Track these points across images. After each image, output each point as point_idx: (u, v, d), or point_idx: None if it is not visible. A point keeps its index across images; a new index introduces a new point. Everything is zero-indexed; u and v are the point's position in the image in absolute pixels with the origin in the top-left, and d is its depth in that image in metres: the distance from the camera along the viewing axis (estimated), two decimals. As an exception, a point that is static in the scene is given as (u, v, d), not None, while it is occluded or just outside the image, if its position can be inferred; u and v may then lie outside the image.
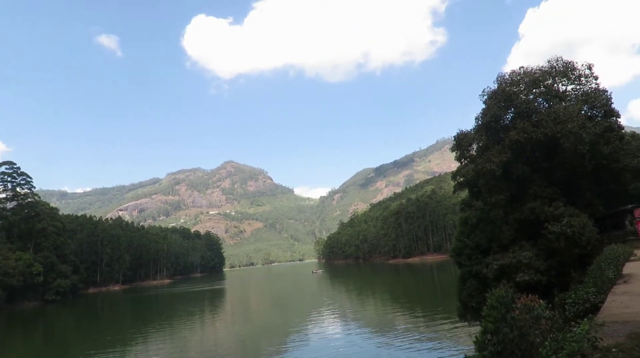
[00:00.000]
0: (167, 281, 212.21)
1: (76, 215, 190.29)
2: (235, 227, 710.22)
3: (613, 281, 14.10)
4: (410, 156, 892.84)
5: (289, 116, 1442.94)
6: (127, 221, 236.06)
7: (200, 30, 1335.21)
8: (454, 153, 40.06)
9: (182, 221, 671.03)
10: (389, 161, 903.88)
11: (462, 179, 39.56)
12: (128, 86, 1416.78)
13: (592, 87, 36.42)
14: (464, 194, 46.86)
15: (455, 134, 39.34)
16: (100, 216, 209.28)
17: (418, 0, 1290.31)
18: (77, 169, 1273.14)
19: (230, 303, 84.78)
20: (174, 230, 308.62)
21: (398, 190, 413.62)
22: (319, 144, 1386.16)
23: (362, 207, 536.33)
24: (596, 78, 36.47)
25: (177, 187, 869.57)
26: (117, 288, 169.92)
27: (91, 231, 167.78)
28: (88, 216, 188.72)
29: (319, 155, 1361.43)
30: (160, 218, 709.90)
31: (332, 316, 51.79)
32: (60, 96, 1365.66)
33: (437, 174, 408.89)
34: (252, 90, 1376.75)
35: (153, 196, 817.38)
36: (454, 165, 42.77)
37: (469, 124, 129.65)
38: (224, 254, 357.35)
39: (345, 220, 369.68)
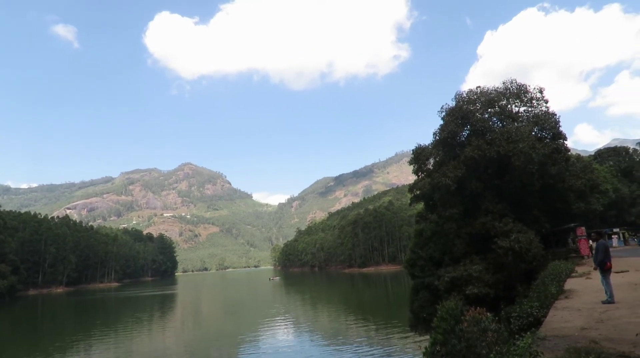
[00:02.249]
0: (114, 284, 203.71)
1: (19, 212, 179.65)
2: (190, 231, 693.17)
3: (555, 296, 14.74)
4: (370, 167, 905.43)
5: (251, 120, 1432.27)
6: (75, 221, 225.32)
7: (163, 27, 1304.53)
8: (412, 166, 41.00)
9: (134, 222, 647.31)
10: (348, 171, 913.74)
11: (418, 192, 40.48)
12: (84, 79, 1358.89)
13: (542, 110, 38.36)
14: (420, 206, 47.96)
15: (413, 148, 40.29)
16: (46, 214, 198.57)
17: (384, 15, 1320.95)
18: (23, 163, 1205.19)
19: (181, 309, 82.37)
20: (125, 231, 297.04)
21: (356, 200, 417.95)
22: (280, 150, 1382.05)
23: (320, 215, 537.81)
24: (546, 101, 38.47)
25: (130, 187, 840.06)
26: (60, 290, 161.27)
27: (35, 229, 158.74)
28: (32, 213, 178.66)
29: (279, 161, 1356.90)
30: (111, 219, 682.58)
31: (286, 324, 51.35)
32: (7, 85, 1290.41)
33: (395, 186, 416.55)
34: (215, 92, 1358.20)
35: (104, 196, 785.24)
36: (412, 178, 43.76)
37: (427, 138, 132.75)
38: (177, 258, 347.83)
39: (303, 228, 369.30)
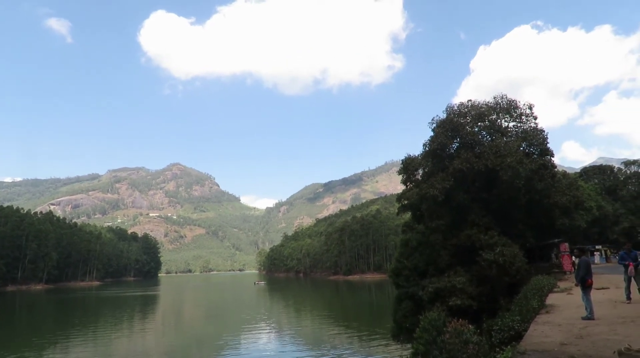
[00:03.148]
0: (96, 283, 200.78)
1: (1, 206, 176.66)
2: (175, 231, 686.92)
3: (537, 310, 14.87)
4: (359, 175, 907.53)
5: (243, 123, 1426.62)
6: (59, 217, 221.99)
7: (159, 26, 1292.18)
8: (400, 176, 41.15)
9: (119, 221, 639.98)
10: (338, 178, 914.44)
11: (406, 202, 40.58)
12: (75, 75, 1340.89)
13: (531, 126, 38.88)
14: (407, 216, 48.11)
15: (403, 158, 40.51)
16: (29, 209, 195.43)
17: (381, 25, 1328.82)
18: (7, 156, 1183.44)
19: (163, 311, 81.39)
20: (109, 230, 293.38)
21: (345, 207, 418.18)
22: (270, 155, 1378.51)
23: (307, 221, 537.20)
24: (535, 118, 39.00)
25: (117, 185, 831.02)
26: (39, 287, 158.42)
27: (16, 224, 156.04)
28: (15, 207, 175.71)
29: (269, 166, 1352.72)
30: (96, 216, 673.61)
31: (268, 330, 51.03)
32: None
33: (383, 195, 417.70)
34: (208, 94, 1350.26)
35: (90, 193, 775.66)
36: (400, 187, 43.91)
37: (417, 149, 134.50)
38: (161, 259, 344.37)
39: (290, 233, 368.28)
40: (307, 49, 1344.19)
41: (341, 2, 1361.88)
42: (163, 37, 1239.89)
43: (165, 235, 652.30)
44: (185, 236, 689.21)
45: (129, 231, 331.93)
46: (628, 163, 78.07)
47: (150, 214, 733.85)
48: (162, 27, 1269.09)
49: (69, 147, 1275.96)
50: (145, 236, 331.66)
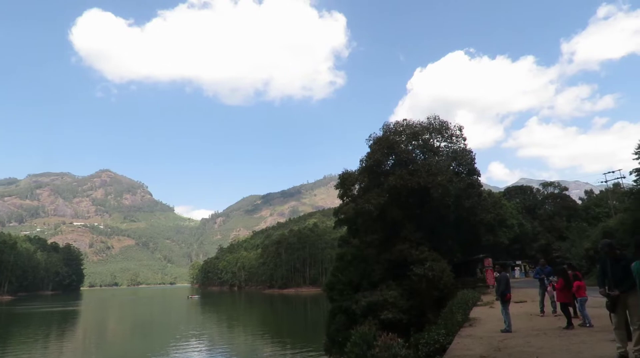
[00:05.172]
0: (7, 298, 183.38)
1: None
2: (102, 242, 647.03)
3: (461, 324, 15.52)
4: (298, 188, 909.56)
5: (180, 132, 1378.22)
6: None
7: (93, 25, 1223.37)
8: (338, 190, 41.76)
9: (38, 229, 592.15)
10: (276, 191, 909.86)
11: (342, 216, 41.21)
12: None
13: (461, 147, 41.10)
14: (344, 230, 48.83)
15: (341, 172, 41.19)
16: None
17: (324, 42, 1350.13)
18: None
19: (84, 328, 75.93)
20: (26, 239, 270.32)
21: (283, 220, 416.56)
22: (208, 165, 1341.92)
23: (245, 233, 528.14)
24: (465, 139, 41.30)
25: (38, 191, 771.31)
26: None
27: None
28: None
29: (206, 176, 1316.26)
30: (11, 224, 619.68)
31: (199, 347, 49.16)
32: None
33: (321, 209, 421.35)
34: (144, 99, 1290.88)
35: (6, 198, 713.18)
36: (338, 201, 44.54)
37: (354, 164, 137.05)
38: (85, 271, 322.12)
39: (226, 245, 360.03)
40: (249, 61, 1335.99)
41: (286, 17, 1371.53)
42: (97, 37, 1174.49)
43: (91, 246, 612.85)
44: (113, 247, 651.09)
45: (50, 241, 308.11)
46: (546, 184, 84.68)
47: (75, 223, 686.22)
48: (96, 27, 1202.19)
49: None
50: (68, 246, 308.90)
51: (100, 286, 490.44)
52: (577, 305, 14.57)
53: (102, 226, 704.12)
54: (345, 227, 44.23)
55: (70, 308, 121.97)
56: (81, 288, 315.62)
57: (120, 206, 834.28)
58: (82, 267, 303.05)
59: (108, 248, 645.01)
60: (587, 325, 13.45)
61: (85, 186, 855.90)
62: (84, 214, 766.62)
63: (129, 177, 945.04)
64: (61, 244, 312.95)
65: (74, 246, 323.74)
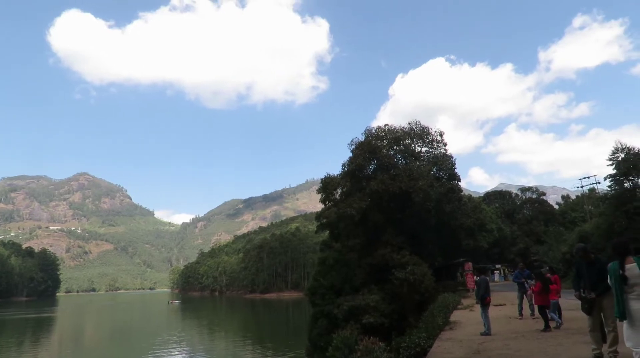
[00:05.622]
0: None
1: None
2: (79, 247, 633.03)
3: (441, 327, 15.67)
4: (280, 192, 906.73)
5: (161, 135, 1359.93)
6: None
7: (72, 26, 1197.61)
8: (320, 194, 41.80)
9: (12, 234, 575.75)
10: (258, 195, 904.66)
11: (325, 220, 41.24)
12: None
13: (441, 152, 41.66)
14: (326, 235, 48.83)
15: (323, 177, 41.26)
16: None
17: (307, 47, 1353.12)
18: None
19: (60, 335, 74.08)
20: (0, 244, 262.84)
21: (264, 224, 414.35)
22: (189, 168, 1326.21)
23: (226, 238, 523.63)
24: (445, 144, 41.89)
25: (12, 194, 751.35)
26: None
27: None
28: None
29: (187, 180, 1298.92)
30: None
31: (180, 352, 48.45)
32: None
33: (303, 213, 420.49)
34: (124, 101, 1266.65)
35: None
36: (320, 206, 44.56)
37: (336, 169, 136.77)
38: (61, 277, 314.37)
39: (207, 250, 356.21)
40: (232, 64, 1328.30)
41: (269, 21, 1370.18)
42: (76, 38, 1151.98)
43: (67, 251, 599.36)
44: (91, 252, 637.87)
45: (24, 246, 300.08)
46: (524, 190, 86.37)
47: (51, 228, 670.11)
48: (75, 28, 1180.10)
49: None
50: (44, 251, 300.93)
51: (78, 292, 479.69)
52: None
53: (79, 231, 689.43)
54: (327, 231, 44.24)
55: (45, 314, 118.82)
56: (57, 294, 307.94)
57: (99, 210, 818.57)
58: (58, 272, 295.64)
59: (85, 252, 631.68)
60: (557, 325, 13.88)
61: (62, 189, 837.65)
62: (61, 218, 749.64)
63: (107, 180, 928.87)
64: (36, 249, 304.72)
65: (49, 251, 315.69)
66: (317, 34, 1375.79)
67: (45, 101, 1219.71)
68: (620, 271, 5.27)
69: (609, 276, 5.51)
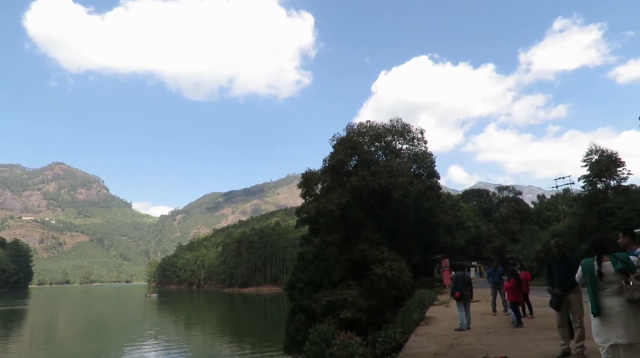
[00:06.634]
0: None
1: None
2: (53, 238, 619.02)
3: (417, 322, 15.91)
4: (261, 186, 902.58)
5: (140, 125, 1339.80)
6: None
7: (49, 10, 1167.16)
8: (301, 189, 41.79)
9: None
10: (239, 188, 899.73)
11: (305, 215, 41.25)
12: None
13: (422, 150, 42.10)
14: (306, 229, 48.88)
15: (304, 171, 41.25)
16: None
17: (291, 41, 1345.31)
18: None
19: (32, 328, 72.49)
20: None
21: (244, 218, 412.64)
22: (168, 160, 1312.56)
23: (205, 231, 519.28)
24: (426, 142, 42.33)
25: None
26: None
27: None
28: None
29: (166, 171, 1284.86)
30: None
31: (156, 346, 47.95)
32: None
33: (284, 207, 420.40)
34: (102, 90, 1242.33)
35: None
36: (300, 201, 44.56)
37: (317, 164, 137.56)
38: (34, 268, 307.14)
39: (185, 243, 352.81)
40: (214, 56, 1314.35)
41: (253, 13, 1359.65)
42: (54, 24, 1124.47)
43: (41, 242, 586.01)
44: (65, 244, 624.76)
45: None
46: (501, 188, 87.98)
47: (24, 218, 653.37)
48: (53, 13, 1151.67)
49: None
50: (15, 241, 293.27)
51: (51, 284, 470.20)
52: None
53: (53, 221, 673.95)
54: (307, 226, 44.28)
55: (16, 306, 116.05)
56: (29, 286, 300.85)
57: (74, 200, 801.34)
58: (31, 264, 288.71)
59: (60, 244, 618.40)
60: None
61: (37, 179, 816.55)
62: (34, 208, 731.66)
63: (84, 171, 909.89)
64: (8, 239, 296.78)
65: (22, 242, 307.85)
66: (302, 28, 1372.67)
67: (20, 88, 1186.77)
68: (597, 268, 5.44)
69: (582, 272, 5.68)
